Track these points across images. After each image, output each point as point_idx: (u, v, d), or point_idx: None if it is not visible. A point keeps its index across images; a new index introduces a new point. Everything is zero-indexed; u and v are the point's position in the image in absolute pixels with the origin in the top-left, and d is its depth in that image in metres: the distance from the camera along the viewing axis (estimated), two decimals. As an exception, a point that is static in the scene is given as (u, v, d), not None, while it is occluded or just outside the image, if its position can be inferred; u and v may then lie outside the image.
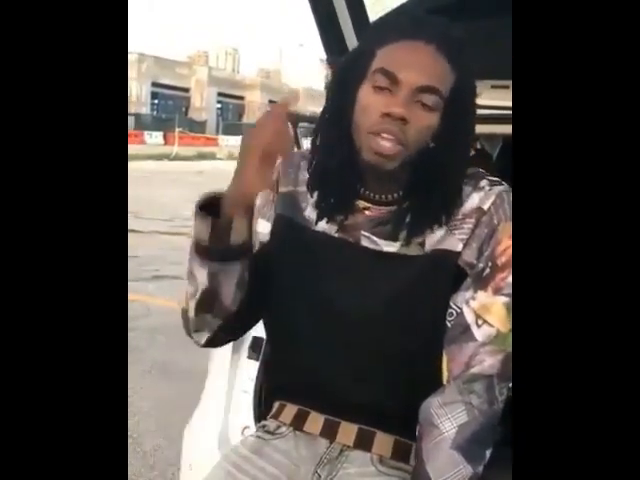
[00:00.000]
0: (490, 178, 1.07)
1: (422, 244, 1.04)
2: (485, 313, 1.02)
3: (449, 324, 1.04)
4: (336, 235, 1.08)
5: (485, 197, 1.04)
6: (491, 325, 1.01)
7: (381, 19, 1.20)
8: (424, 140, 1.00)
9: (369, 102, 1.00)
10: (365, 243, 1.07)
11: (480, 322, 1.02)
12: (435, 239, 1.04)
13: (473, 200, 1.04)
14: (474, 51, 1.03)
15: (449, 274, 1.03)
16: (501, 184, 1.06)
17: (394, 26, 1.04)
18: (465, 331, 1.02)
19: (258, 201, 1.14)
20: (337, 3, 1.63)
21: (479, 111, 1.08)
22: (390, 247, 1.05)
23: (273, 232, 1.14)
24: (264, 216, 1.15)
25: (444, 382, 1.03)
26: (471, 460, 0.98)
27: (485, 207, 1.03)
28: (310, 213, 1.11)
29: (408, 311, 1.04)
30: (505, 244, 1.02)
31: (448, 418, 0.99)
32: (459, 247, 1.03)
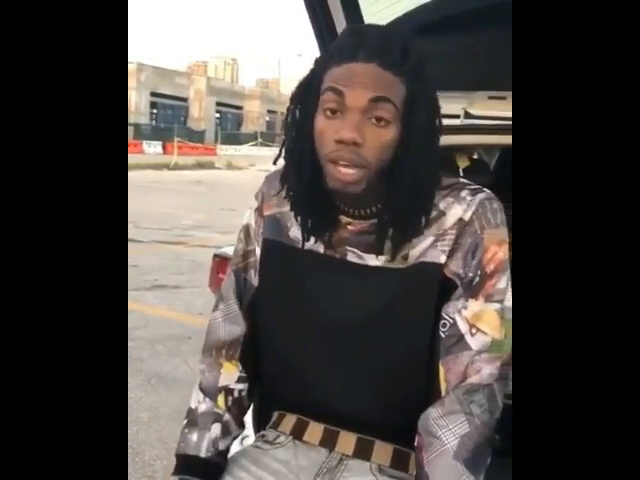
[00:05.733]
0: (471, 187, 1.05)
1: (406, 257, 1.04)
2: (478, 321, 1.01)
3: (443, 335, 1.03)
4: (323, 252, 1.09)
5: (467, 207, 1.03)
6: (485, 333, 1.01)
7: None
8: (384, 156, 0.98)
9: (323, 129, 0.99)
10: (351, 258, 1.07)
11: (474, 331, 1.01)
12: (418, 252, 1.03)
13: (455, 212, 1.03)
14: (443, 60, 0.98)
15: (433, 286, 1.03)
16: (482, 191, 1.05)
17: (335, 50, 1.01)
18: (459, 341, 1.02)
19: (253, 226, 1.16)
20: (335, 12, 1.64)
21: (476, 122, 1.08)
22: (375, 261, 1.05)
23: (262, 257, 1.14)
24: (259, 243, 1.15)
25: (442, 393, 1.02)
26: (473, 470, 0.97)
27: (466, 218, 1.02)
28: (296, 232, 1.10)
29: (395, 323, 1.04)
30: (492, 251, 1.02)
31: (449, 429, 0.98)
32: (442, 259, 1.02)
